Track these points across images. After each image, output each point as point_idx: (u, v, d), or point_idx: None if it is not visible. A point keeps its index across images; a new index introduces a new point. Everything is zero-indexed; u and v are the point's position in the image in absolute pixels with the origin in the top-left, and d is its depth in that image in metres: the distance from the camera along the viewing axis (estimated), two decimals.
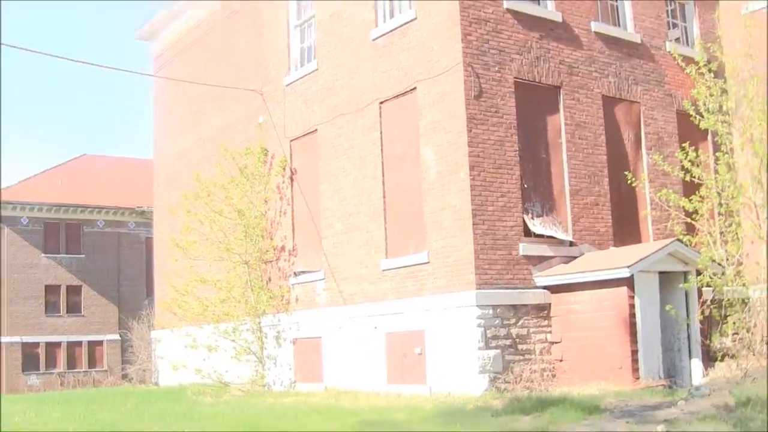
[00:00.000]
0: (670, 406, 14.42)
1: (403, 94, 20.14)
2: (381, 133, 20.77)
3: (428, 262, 19.13)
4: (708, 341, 18.59)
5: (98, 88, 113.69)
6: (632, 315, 17.72)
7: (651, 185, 20.75)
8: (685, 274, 18.68)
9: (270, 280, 23.85)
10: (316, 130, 22.79)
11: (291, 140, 23.69)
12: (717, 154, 17.90)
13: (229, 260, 23.69)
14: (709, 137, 21.70)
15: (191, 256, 24.22)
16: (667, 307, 17.80)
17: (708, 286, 17.64)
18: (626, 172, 19.88)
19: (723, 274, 18.09)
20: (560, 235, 19.39)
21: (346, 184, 21.68)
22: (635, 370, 17.58)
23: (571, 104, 20.16)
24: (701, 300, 18.67)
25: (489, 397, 17.15)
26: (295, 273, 22.99)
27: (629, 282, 17.68)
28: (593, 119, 20.51)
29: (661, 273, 18.45)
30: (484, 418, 14.65)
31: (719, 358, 18.91)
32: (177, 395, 23.45)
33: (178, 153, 29.83)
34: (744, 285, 17.97)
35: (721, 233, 17.96)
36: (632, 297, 17.73)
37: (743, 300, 18.26)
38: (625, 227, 20.71)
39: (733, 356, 19.09)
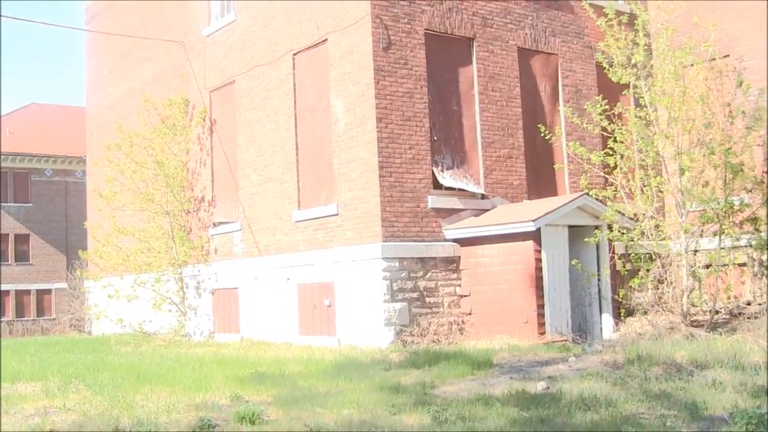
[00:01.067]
0: (560, 362, 14.14)
1: (315, 45, 19.52)
2: (294, 84, 20.17)
3: (337, 214, 18.69)
4: (618, 296, 18.37)
5: (48, 37, 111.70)
6: (538, 269, 17.35)
7: (569, 138, 20.29)
8: (597, 228, 18.34)
9: (191, 230, 23.35)
10: (233, 81, 22.15)
11: (210, 91, 23.04)
12: (629, 107, 17.59)
13: (150, 210, 23.19)
14: (631, 90, 21.29)
15: (113, 206, 23.71)
16: (573, 262, 17.50)
17: (617, 240, 17.36)
18: (540, 125, 19.50)
19: (634, 228, 17.87)
20: (471, 187, 18.95)
21: (261, 136, 21.12)
22: (541, 324, 17.23)
23: (484, 56, 19.63)
24: (612, 254, 18.43)
25: (393, 349, 16.78)
26: (214, 224, 22.50)
27: (535, 236, 17.29)
28: (508, 71, 20.01)
29: (572, 227, 18.09)
30: (376, 372, 14.24)
31: (632, 313, 18.74)
32: (101, 345, 23.02)
33: (109, 103, 29.09)
34: (658, 239, 17.74)
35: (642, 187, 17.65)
36: (539, 251, 17.35)
37: (650, 255, 18.04)
38: (541, 180, 20.32)
39: (645, 311, 18.90)
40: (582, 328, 18.45)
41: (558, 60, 21.03)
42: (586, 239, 17.55)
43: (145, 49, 26.36)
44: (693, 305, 17.52)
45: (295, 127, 20.00)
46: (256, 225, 21.03)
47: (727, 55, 20.83)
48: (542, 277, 17.33)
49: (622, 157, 17.43)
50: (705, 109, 17.07)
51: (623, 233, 17.25)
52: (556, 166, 19.65)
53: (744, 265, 21.05)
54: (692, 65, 22.40)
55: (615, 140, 17.20)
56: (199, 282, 22.79)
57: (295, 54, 20.13)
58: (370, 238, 17.73)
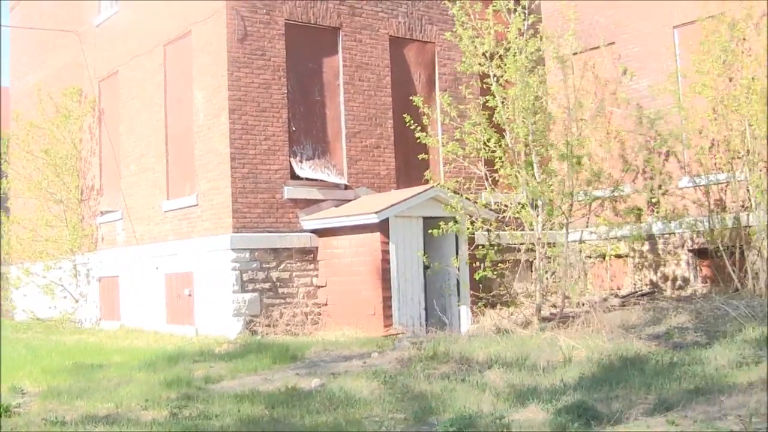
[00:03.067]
0: (365, 357, 13.70)
1: (182, 37, 19.01)
2: (165, 76, 19.72)
3: (197, 205, 18.28)
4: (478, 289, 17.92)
5: None
6: (385, 261, 16.87)
7: (446, 127, 19.69)
8: (455, 219, 17.78)
9: (83, 218, 23.06)
10: (117, 71, 21.77)
11: (99, 81, 22.61)
12: (472, 98, 17.12)
13: (41, 198, 22.93)
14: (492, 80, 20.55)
15: (12, 194, 23.50)
16: (419, 254, 17.09)
17: (456, 231, 16.81)
18: (407, 115, 18.94)
19: (495, 220, 17.47)
20: (332, 178, 18.47)
21: (139, 126, 20.70)
22: (387, 316, 16.75)
23: (351, 46, 19.08)
24: (474, 246, 17.91)
25: (238, 340, 16.41)
26: (101, 212, 22.19)
27: (382, 228, 16.80)
28: (377, 60, 19.46)
29: (429, 218, 17.52)
30: (184, 364, 14.00)
31: (495, 306, 18.31)
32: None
33: (27, 91, 28.76)
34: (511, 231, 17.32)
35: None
36: (386, 243, 16.86)
37: (498, 247, 17.60)
38: (413, 170, 19.65)
39: (505, 303, 18.49)
40: (443, 321, 17.96)
41: (435, 48, 20.46)
42: (430, 230, 16.96)
43: (59, 38, 25.95)
44: (567, 296, 16.94)
45: (165, 118, 19.61)
46: (134, 214, 20.68)
47: (613, 43, 20.28)
48: (389, 269, 16.87)
49: (478, 149, 16.89)
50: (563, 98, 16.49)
51: (472, 223, 16.77)
52: (419, 157, 18.98)
53: (627, 256, 20.63)
54: (575, 54, 21.97)
55: (458, 131, 16.68)
56: (89, 269, 22.49)
57: (165, 45, 19.70)
58: (223, 229, 17.35)
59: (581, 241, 20.67)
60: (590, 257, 20.92)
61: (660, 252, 19.81)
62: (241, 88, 17.46)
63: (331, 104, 18.81)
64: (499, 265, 18.16)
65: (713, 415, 8.47)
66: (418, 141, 16.95)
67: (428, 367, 12.24)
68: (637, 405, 9.19)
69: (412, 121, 17.99)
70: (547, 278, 17.41)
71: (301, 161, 18.17)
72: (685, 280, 19.22)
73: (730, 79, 17.24)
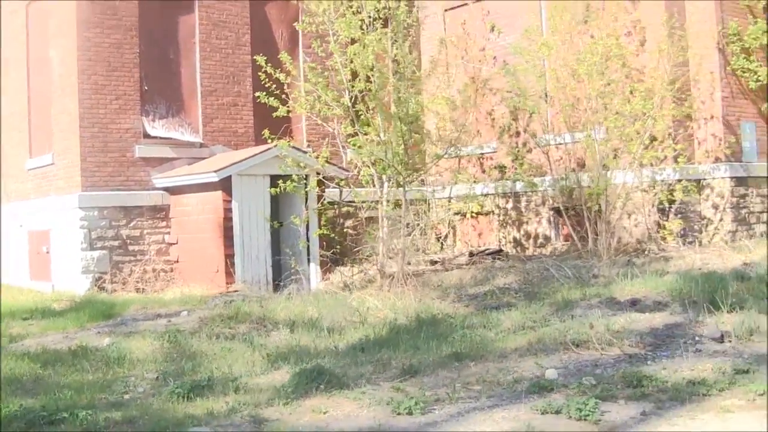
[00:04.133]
0: (176, 316, 13.95)
1: None
2: (27, 35, 19.78)
3: (53, 164, 18.39)
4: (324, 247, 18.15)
5: None
6: (228, 219, 17.02)
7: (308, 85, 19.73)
8: (306, 177, 17.91)
9: None
10: None
11: None
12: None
13: None
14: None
15: None
16: (259, 212, 17.28)
17: (292, 191, 16.88)
18: (260, 73, 18.91)
19: (343, 179, 17.66)
20: (186, 137, 18.58)
21: (9, 84, 20.77)
22: (229, 274, 16.94)
23: (208, 4, 18.99)
24: (320, 203, 18.08)
25: (84, 296, 16.60)
26: None
27: (225, 186, 16.94)
28: (236, 19, 19.39)
29: (276, 176, 17.50)
30: (11, 322, 14.22)
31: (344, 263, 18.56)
32: None
33: None
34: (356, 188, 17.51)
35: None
36: (228, 201, 17.01)
37: (349, 205, 17.85)
38: (274, 128, 19.66)
39: (357, 261, 18.70)
40: (293, 278, 18.13)
41: (299, 6, 20.44)
42: (270, 189, 17.04)
43: None
44: (405, 254, 17.11)
45: (28, 77, 19.67)
46: (6, 171, 20.79)
47: None
48: (232, 227, 17.06)
49: (317, 108, 16.97)
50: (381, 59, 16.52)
51: (320, 182, 16.89)
52: (274, 114, 18.86)
53: (491, 213, 20.87)
54: (446, 10, 22.06)
55: (296, 90, 16.75)
56: None
57: (27, 5, 19.68)
58: (74, 187, 17.48)
59: (449, 198, 20.99)
60: (457, 214, 21.22)
61: (523, 210, 20.04)
62: (90, 48, 17.48)
63: (186, 63, 18.86)
64: (347, 223, 18.44)
65: (443, 383, 8.73)
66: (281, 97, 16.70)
67: (225, 326, 12.53)
68: (389, 369, 9.44)
69: (267, 80, 17.96)
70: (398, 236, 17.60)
71: (153, 120, 18.26)
72: (547, 238, 19.51)
73: (592, 36, 17.34)
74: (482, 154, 20.76)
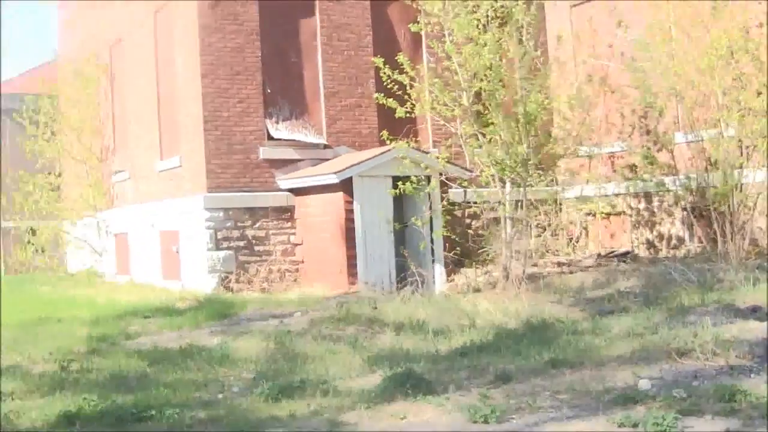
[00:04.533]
0: (287, 317, 14.06)
1: (168, 4, 19.55)
2: (155, 42, 20.28)
3: (181, 166, 18.86)
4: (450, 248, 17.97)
5: None
6: (349, 220, 17.08)
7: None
8: (429, 178, 17.73)
9: (103, 177, 23.95)
10: (121, 38, 22.46)
11: (110, 46, 23.33)
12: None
13: (66, 159, 23.96)
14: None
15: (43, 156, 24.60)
16: (380, 213, 17.23)
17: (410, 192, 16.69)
18: (381, 74, 18.77)
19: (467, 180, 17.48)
20: (310, 138, 18.74)
21: (140, 90, 21.36)
22: (352, 274, 16.98)
23: (328, 7, 19.10)
24: (443, 204, 17.90)
25: (213, 294, 17.03)
26: (114, 171, 23.03)
27: (346, 187, 17.03)
28: (357, 20, 19.38)
29: (398, 177, 17.34)
30: (132, 319, 14.62)
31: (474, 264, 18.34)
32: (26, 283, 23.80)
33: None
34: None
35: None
36: (349, 202, 17.06)
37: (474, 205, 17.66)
38: (399, 128, 19.56)
39: (480, 263, 18.48)
40: (416, 280, 17.95)
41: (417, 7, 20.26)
42: (388, 191, 16.99)
43: (86, 8, 26.51)
44: (530, 256, 16.87)
45: (157, 83, 20.22)
46: (138, 173, 21.43)
47: None
48: (354, 228, 17.10)
49: (436, 108, 16.84)
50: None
51: (418, 183, 16.53)
52: (396, 115, 18.72)
53: (624, 213, 20.26)
54: (573, 7, 21.51)
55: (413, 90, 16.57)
56: (108, 226, 23.41)
57: (155, 12, 20.19)
58: (199, 189, 17.87)
59: (580, 199, 20.49)
60: (589, 214, 20.70)
61: (655, 210, 19.40)
62: (213, 53, 17.82)
63: (308, 65, 18.99)
64: (471, 223, 18.17)
65: (532, 390, 8.50)
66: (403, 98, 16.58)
67: (333, 328, 12.55)
68: (484, 375, 9.27)
69: (389, 81, 17.84)
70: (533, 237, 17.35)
71: (277, 122, 18.46)
72: (680, 240, 18.78)
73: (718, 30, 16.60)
74: (612, 152, 20.11)
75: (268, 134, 18.31)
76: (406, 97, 16.24)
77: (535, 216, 20.46)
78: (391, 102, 16.63)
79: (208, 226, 17.52)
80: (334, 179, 16.83)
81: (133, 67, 21.63)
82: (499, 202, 16.52)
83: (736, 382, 8.04)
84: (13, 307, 16.73)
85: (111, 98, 23.35)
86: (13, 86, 34.62)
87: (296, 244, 18.27)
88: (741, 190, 15.88)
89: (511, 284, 15.67)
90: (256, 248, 17.97)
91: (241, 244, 17.82)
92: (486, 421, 7.39)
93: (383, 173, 17.34)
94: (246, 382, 9.70)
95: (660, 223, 19.17)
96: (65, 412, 8.23)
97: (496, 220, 17.74)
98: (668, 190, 18.51)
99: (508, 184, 16.62)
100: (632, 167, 19.46)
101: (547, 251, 20.15)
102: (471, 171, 17.82)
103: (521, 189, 16.43)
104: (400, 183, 16.27)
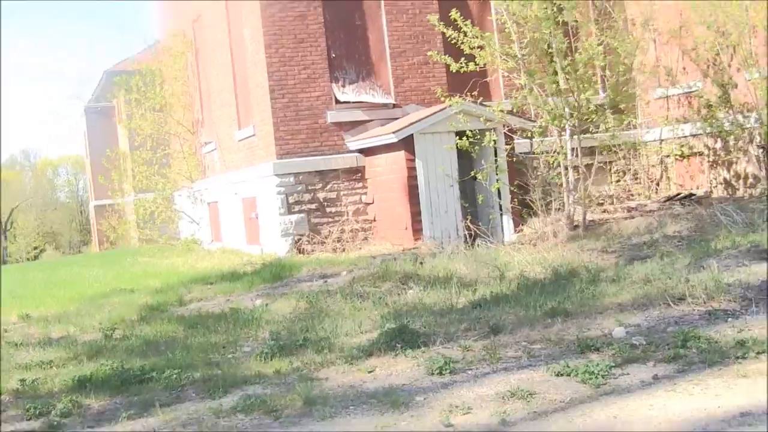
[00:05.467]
0: (334, 276, 14.34)
1: None
2: (227, 16, 20.85)
3: (254, 135, 19.40)
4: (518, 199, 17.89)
5: None
6: (412, 177, 17.23)
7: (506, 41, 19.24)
8: (494, 130, 17.69)
9: (197, 150, 24.76)
10: (201, 13, 23.08)
11: (192, 22, 24.06)
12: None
13: (162, 133, 24.92)
14: None
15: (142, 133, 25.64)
16: (441, 168, 17.30)
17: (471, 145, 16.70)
18: (445, 31, 18.63)
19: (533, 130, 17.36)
20: (378, 99, 18.93)
21: (218, 63, 21.98)
22: (416, 230, 17.20)
23: None
24: (508, 157, 17.84)
25: (286, 257, 17.55)
26: (203, 143, 23.76)
27: (407, 145, 17.17)
28: None
29: (462, 133, 17.37)
30: (194, 286, 15.27)
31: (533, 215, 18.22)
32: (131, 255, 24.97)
33: None
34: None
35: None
36: (411, 160, 17.22)
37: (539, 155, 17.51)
38: (467, 85, 19.48)
39: (549, 212, 18.33)
40: (487, 232, 18.03)
41: None
42: (446, 146, 16.98)
43: None
44: (589, 204, 16.76)
45: (231, 56, 20.77)
46: (222, 144, 22.11)
47: None
48: (417, 185, 17.24)
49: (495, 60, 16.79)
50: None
51: (474, 137, 16.49)
52: (451, 69, 18.20)
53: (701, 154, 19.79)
54: None
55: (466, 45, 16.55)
56: (202, 196, 24.24)
57: None
58: (270, 156, 18.35)
59: (661, 140, 20.15)
60: (668, 156, 20.29)
61: (731, 149, 18.83)
62: (275, 23, 18.19)
63: (373, 27, 19.14)
64: (538, 174, 18.00)
65: (514, 341, 8.62)
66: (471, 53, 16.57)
67: (370, 285, 12.83)
68: (479, 328, 9.36)
69: (455, 38, 17.75)
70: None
71: (343, 86, 18.70)
72: (756, 178, 18.22)
73: None
74: (689, 92, 19.57)
75: (335, 98, 18.55)
76: (473, 51, 16.21)
77: (615, 161, 20.24)
78: (445, 58, 16.65)
79: (279, 191, 17.96)
80: (393, 138, 16.95)
81: (212, 42, 22.25)
82: (556, 151, 16.39)
83: (705, 327, 7.95)
84: (93, 281, 17.70)
85: (197, 73, 24.01)
86: (127, 64, 35.96)
87: (367, 204, 18.53)
88: None
89: (567, 233, 15.61)
90: (328, 210, 18.32)
91: (313, 206, 18.21)
92: (441, 373, 7.58)
93: (445, 129, 17.34)
94: (260, 342, 10.03)
95: (736, 162, 18.60)
96: (80, 377, 8.75)
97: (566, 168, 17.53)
98: (743, 128, 17.94)
99: (567, 132, 16.46)
100: (708, 106, 18.90)
101: (626, 196, 19.92)
102: (534, 121, 17.64)
103: (577, 137, 16.26)
104: (462, 138, 16.29)
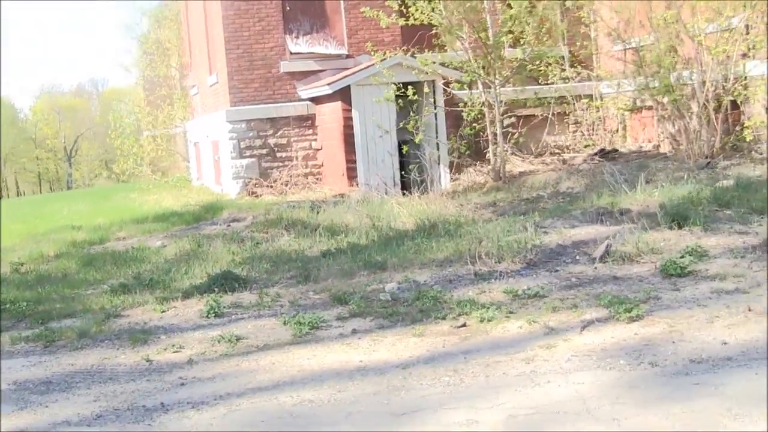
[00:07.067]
0: (241, 221, 15.45)
1: None
2: None
3: (217, 82, 20.60)
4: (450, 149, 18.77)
5: None
6: (349, 127, 18.31)
7: None
8: (434, 82, 18.62)
9: (188, 93, 26.01)
10: None
11: None
12: None
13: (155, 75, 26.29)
14: None
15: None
16: (373, 119, 18.25)
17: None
18: None
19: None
20: (331, 50, 19.89)
21: (196, 13, 23.10)
22: (351, 177, 18.32)
23: None
24: (447, 108, 18.71)
25: (236, 198, 18.84)
26: (191, 86, 25.01)
27: (344, 96, 18.22)
28: None
29: (404, 84, 18.26)
30: (129, 226, 16.61)
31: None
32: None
33: None
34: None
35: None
36: (348, 110, 18.27)
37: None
38: (423, 35, 20.25)
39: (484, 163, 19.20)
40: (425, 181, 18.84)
41: None
42: (375, 99, 17.87)
43: None
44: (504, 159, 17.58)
45: (204, 10, 21.81)
46: (201, 88, 23.36)
47: None
48: (353, 134, 18.25)
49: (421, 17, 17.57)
50: None
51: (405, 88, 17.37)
52: (382, 24, 18.66)
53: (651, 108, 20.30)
54: None
55: None
56: (190, 136, 25.59)
57: None
58: (225, 103, 19.52)
59: (618, 94, 20.72)
60: (623, 110, 20.83)
61: (678, 105, 19.30)
62: None
63: None
64: (474, 125, 18.72)
65: (308, 289, 9.73)
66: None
67: (258, 231, 14.01)
68: (301, 277, 10.44)
69: None
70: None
71: (297, 37, 19.71)
72: (696, 133, 18.69)
73: None
74: (641, 46, 20.02)
75: (289, 49, 19.53)
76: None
77: (571, 112, 20.88)
78: (369, 11, 17.53)
79: (231, 137, 19.19)
80: (328, 90, 17.94)
81: None
82: (482, 103, 17.27)
83: (459, 287, 9.05)
84: (63, 216, 19.25)
85: (187, 18, 25.17)
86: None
87: (317, 150, 19.64)
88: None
89: (492, 183, 16.59)
90: (278, 155, 19.48)
91: (264, 152, 19.39)
92: (207, 316, 8.95)
93: (383, 81, 18.13)
94: (126, 281, 11.20)
95: (682, 118, 19.06)
96: None
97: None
98: (685, 84, 18.39)
99: (497, 85, 17.28)
100: (659, 62, 19.35)
101: (582, 147, 20.56)
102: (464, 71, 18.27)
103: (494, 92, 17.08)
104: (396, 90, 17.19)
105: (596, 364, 6.16)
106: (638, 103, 20.05)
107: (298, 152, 19.69)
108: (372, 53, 17.78)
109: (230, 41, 19.29)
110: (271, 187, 19.39)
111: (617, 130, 21.30)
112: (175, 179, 25.87)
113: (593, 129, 21.24)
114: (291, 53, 19.67)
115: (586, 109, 20.97)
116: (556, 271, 9.31)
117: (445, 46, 18.53)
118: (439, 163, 18.90)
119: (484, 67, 17.23)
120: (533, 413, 5.26)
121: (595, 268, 9.23)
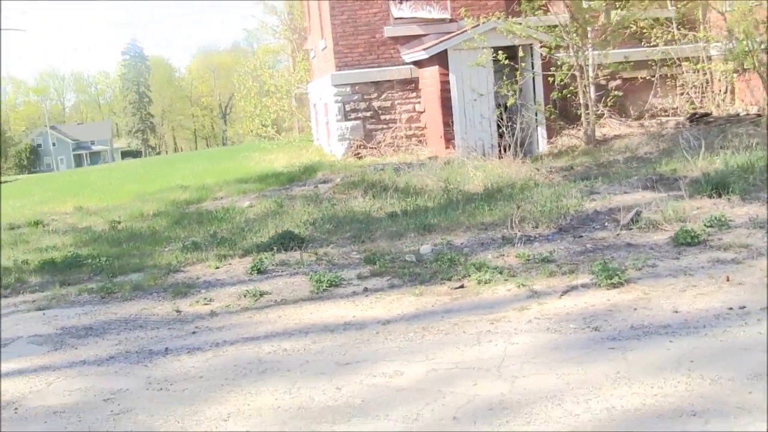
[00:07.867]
0: (329, 182, 16.27)
1: None
2: None
3: (326, 47, 21.39)
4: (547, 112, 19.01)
5: None
6: (446, 90, 18.81)
7: None
8: (531, 46, 18.92)
9: (307, 55, 26.89)
10: None
11: None
12: None
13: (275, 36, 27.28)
14: None
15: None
16: (470, 83, 18.67)
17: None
18: None
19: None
20: (434, 14, 20.35)
21: None
22: (448, 139, 18.86)
23: None
24: (544, 71, 18.95)
25: (342, 159, 19.73)
26: (309, 49, 25.86)
27: (441, 60, 18.71)
28: None
29: (502, 48, 18.61)
30: (232, 186, 17.71)
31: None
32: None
33: None
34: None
35: None
36: (445, 74, 18.76)
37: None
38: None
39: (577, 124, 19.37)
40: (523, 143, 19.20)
41: None
42: (468, 63, 18.26)
43: None
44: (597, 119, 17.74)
45: None
46: (317, 53, 24.22)
47: None
48: (450, 98, 18.76)
49: None
50: None
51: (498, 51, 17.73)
52: None
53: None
54: None
55: None
56: (311, 97, 26.54)
57: None
58: (331, 68, 20.32)
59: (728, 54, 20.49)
60: (729, 71, 20.57)
61: None
62: None
63: None
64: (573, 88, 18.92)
65: (354, 249, 10.46)
66: None
67: (340, 192, 14.80)
68: (356, 238, 11.18)
69: None
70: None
71: (400, 2, 20.25)
72: None
73: None
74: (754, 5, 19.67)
75: (392, 15, 20.10)
76: None
77: (679, 75, 20.73)
78: None
79: (337, 99, 19.98)
80: (424, 55, 18.48)
81: None
82: (571, 66, 17.46)
83: (488, 250, 9.49)
84: (178, 176, 20.55)
85: None
86: None
87: (420, 113, 20.22)
88: None
89: (584, 147, 16.84)
90: (383, 117, 20.16)
91: (368, 114, 20.11)
92: (251, 273, 9.75)
93: (481, 45, 18.50)
94: (202, 239, 12.18)
95: None
96: (45, 260, 11.37)
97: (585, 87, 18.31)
98: None
99: (590, 50, 17.44)
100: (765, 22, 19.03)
101: (691, 109, 20.41)
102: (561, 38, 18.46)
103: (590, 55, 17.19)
104: (500, 52, 17.61)
105: (547, 327, 6.62)
106: (745, 66, 19.71)
107: (402, 115, 20.32)
108: (465, 18, 18.15)
109: (335, 8, 20.00)
110: (375, 148, 20.11)
111: (725, 93, 20.98)
112: (298, 140, 26.92)
113: (701, 92, 20.99)
114: (394, 18, 20.24)
115: (693, 72, 20.74)
116: (580, 237, 9.68)
117: (546, 9, 18.71)
118: (536, 127, 19.16)
119: (576, 31, 17.36)
120: (453, 368, 5.81)
121: (617, 234, 9.55)
